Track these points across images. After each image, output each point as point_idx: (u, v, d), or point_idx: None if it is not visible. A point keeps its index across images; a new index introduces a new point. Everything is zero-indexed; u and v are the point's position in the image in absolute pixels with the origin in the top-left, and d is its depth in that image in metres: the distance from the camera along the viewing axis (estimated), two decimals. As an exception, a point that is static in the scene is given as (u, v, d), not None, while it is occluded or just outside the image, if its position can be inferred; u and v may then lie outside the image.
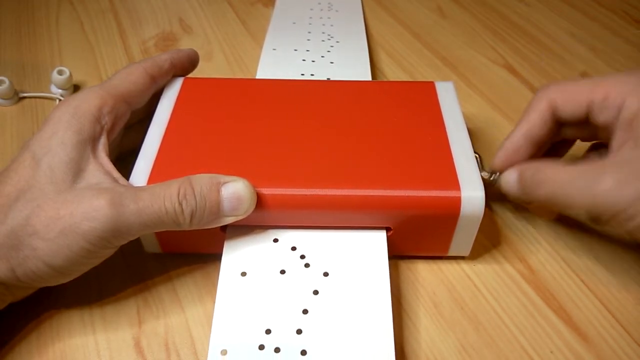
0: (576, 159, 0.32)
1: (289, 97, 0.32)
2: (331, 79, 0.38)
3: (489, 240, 0.31)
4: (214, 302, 0.25)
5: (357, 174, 0.27)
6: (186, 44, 0.47)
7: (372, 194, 0.26)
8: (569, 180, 0.26)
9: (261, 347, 0.24)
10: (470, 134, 0.30)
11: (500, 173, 0.30)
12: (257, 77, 0.39)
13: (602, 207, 0.25)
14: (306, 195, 0.26)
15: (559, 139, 0.31)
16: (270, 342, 0.24)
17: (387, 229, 0.28)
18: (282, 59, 0.40)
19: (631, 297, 0.29)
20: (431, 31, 0.48)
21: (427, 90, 0.32)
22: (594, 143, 0.31)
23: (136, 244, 0.27)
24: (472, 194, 0.26)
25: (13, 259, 0.24)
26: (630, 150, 0.26)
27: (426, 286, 0.29)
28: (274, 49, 0.41)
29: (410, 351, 0.26)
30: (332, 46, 0.41)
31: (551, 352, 0.26)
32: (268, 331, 0.24)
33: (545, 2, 0.52)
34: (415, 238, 0.28)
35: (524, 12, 0.51)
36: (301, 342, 0.24)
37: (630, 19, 0.50)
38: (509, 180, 0.29)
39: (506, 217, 0.33)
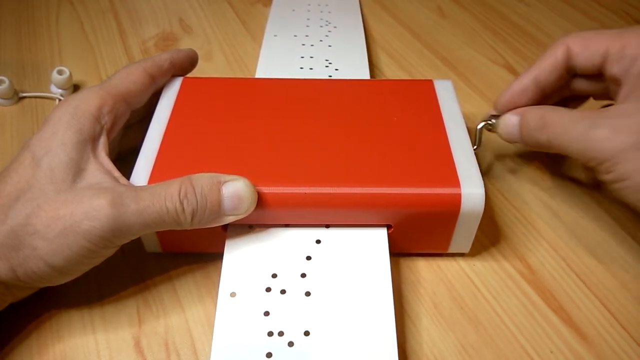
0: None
1: (288, 96, 0.32)
2: (329, 60, 0.40)
3: (488, 240, 0.31)
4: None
5: (357, 172, 0.27)
6: (186, 44, 0.47)
7: (372, 191, 0.26)
8: (569, 125, 0.27)
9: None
10: (470, 133, 0.30)
11: (499, 116, 0.30)
12: (260, 62, 0.40)
13: (592, 153, 0.26)
14: (306, 193, 0.26)
15: (568, 93, 0.31)
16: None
17: (388, 227, 0.28)
18: (283, 44, 0.42)
19: (631, 296, 0.29)
20: (431, 31, 0.48)
21: (426, 88, 0.32)
22: (607, 104, 0.31)
23: (137, 243, 0.27)
24: (472, 190, 0.26)
25: (13, 258, 0.24)
26: (632, 103, 0.26)
27: (426, 286, 0.29)
28: (275, 35, 0.43)
29: (411, 351, 0.26)
30: (329, 31, 0.43)
31: (551, 352, 0.26)
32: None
33: (545, 2, 0.52)
34: (416, 235, 0.29)
35: (524, 12, 0.51)
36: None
37: (630, 19, 0.50)
38: (510, 123, 0.30)
39: (506, 215, 0.33)
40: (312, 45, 0.41)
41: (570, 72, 0.29)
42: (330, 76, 0.39)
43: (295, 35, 0.43)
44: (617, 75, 0.27)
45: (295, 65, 0.40)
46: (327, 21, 0.45)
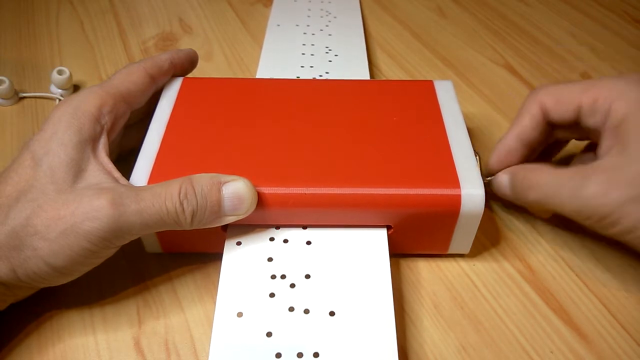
0: (569, 159, 0.32)
1: (288, 97, 0.32)
2: (329, 48, 0.42)
3: (488, 240, 0.31)
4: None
5: (358, 172, 0.27)
6: (186, 44, 0.47)
7: (372, 192, 0.26)
8: (557, 185, 0.27)
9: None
10: (470, 134, 0.30)
11: (494, 175, 0.30)
12: (263, 49, 0.42)
13: (588, 211, 0.26)
14: (307, 194, 0.26)
15: (552, 140, 0.31)
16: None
17: (388, 227, 0.28)
18: (285, 34, 0.44)
19: (631, 297, 0.29)
20: (431, 31, 0.48)
21: (426, 89, 0.32)
22: (590, 143, 0.31)
23: (137, 244, 0.27)
24: (472, 191, 0.26)
25: (14, 259, 0.24)
26: (616, 157, 0.26)
27: (426, 286, 0.29)
28: (278, 25, 0.46)
29: (411, 351, 0.26)
30: (329, 21, 0.46)
31: (551, 352, 0.27)
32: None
33: (545, 2, 0.52)
34: (416, 236, 0.29)
35: (524, 12, 0.51)
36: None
37: (630, 19, 0.50)
38: (502, 182, 0.30)
39: (506, 216, 0.33)
40: (313, 34, 0.44)
41: (549, 125, 0.30)
42: (330, 61, 0.41)
43: (297, 25, 0.45)
44: (593, 128, 0.28)
45: (297, 52, 0.41)
46: (327, 11, 0.47)
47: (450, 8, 0.51)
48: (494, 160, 0.31)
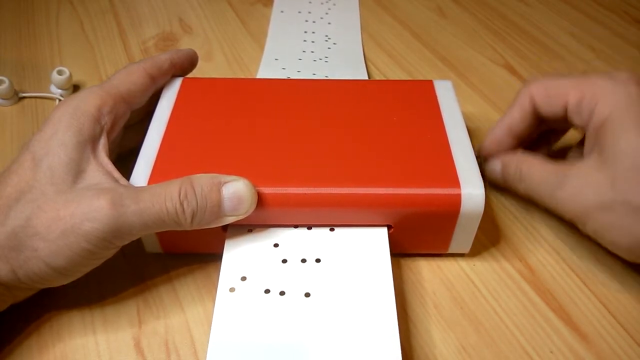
0: (568, 148, 0.32)
1: (288, 97, 0.32)
2: (329, 36, 0.46)
3: (488, 240, 0.31)
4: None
5: (358, 172, 0.27)
6: (186, 44, 0.47)
7: (373, 192, 0.26)
8: (540, 180, 0.28)
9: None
10: (470, 134, 0.30)
11: (486, 160, 0.32)
12: (269, 36, 0.46)
13: (561, 211, 0.27)
14: (307, 194, 0.26)
15: (546, 128, 0.31)
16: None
17: (388, 227, 0.28)
18: (289, 19, 0.48)
19: (631, 297, 0.29)
20: (431, 31, 0.48)
21: (426, 89, 0.32)
22: None
23: (137, 244, 0.27)
24: (472, 191, 0.26)
25: (14, 260, 0.24)
26: (593, 160, 0.27)
27: (426, 286, 0.29)
28: (281, 11, 0.50)
29: (411, 351, 0.26)
30: (329, 8, 0.50)
31: (551, 352, 0.27)
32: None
33: (545, 2, 0.52)
34: (416, 235, 0.29)
35: (524, 12, 0.51)
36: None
37: (630, 19, 0.50)
38: (493, 169, 0.31)
39: (506, 216, 0.33)
40: (314, 21, 0.48)
41: (539, 118, 0.30)
42: (329, 48, 0.44)
43: (299, 12, 0.49)
44: (579, 126, 0.28)
45: (299, 38, 0.45)
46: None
47: (450, 8, 0.51)
48: (485, 146, 0.32)
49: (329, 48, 0.44)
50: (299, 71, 0.41)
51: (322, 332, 0.24)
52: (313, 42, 0.45)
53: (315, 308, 0.25)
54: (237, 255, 0.27)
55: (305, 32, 0.46)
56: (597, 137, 0.27)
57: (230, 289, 0.26)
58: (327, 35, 0.46)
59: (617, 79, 0.27)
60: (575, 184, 0.26)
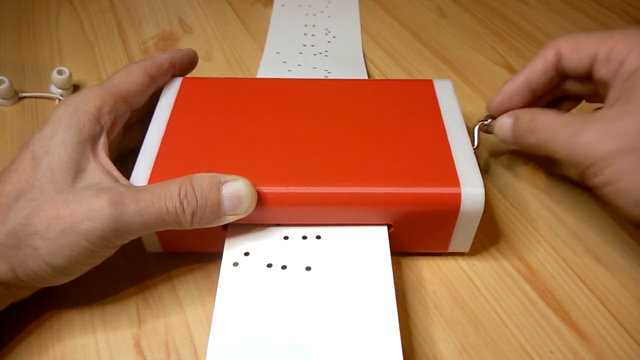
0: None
1: (288, 96, 0.32)
2: (328, 29, 0.47)
3: (488, 239, 0.31)
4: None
5: (358, 171, 0.27)
6: (186, 44, 0.47)
7: (372, 191, 0.26)
8: (557, 128, 0.27)
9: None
10: (470, 134, 0.30)
11: (495, 118, 0.30)
12: (270, 29, 0.47)
13: (579, 157, 0.26)
14: (306, 193, 0.26)
15: (560, 94, 0.31)
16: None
17: (388, 226, 0.28)
18: (289, 13, 0.50)
19: (631, 297, 0.29)
20: (431, 31, 0.48)
21: (425, 88, 0.32)
22: (600, 107, 0.31)
23: (137, 243, 0.27)
24: (471, 190, 0.26)
25: (14, 258, 0.24)
26: (618, 108, 0.26)
27: (426, 286, 0.29)
28: (282, 5, 0.51)
29: (411, 351, 0.26)
30: (329, 2, 0.51)
31: (551, 352, 0.26)
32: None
33: (545, 2, 0.52)
34: (416, 235, 0.29)
35: (524, 12, 0.51)
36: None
37: (630, 19, 0.50)
38: (503, 125, 0.30)
39: (506, 215, 0.33)
40: (314, 15, 0.49)
41: (560, 74, 0.30)
42: (329, 42, 0.45)
43: (300, 6, 0.50)
44: (604, 78, 0.28)
45: (299, 32, 0.47)
46: None
47: (450, 8, 0.51)
48: (497, 100, 0.30)
49: (328, 42, 0.45)
50: (299, 65, 0.42)
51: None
52: (313, 35, 0.46)
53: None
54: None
55: (306, 25, 0.48)
56: (624, 87, 0.26)
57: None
58: (327, 29, 0.47)
59: None
60: (598, 129, 0.25)
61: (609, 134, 0.25)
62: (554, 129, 0.27)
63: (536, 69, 0.29)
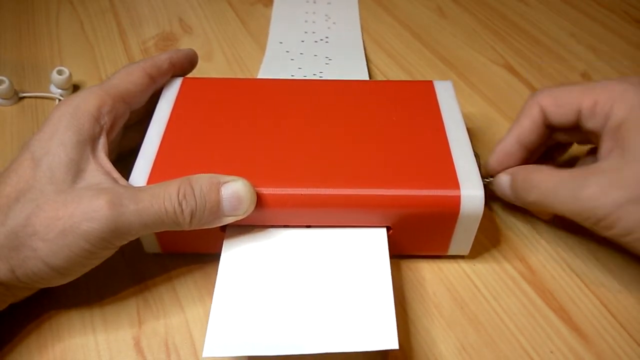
0: (572, 162, 0.32)
1: (288, 97, 0.32)
2: (328, 15, 0.48)
3: (488, 240, 0.31)
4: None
5: (357, 173, 0.27)
6: (186, 44, 0.47)
7: (372, 193, 0.26)
8: (556, 186, 0.27)
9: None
10: (470, 134, 0.30)
11: (494, 176, 0.30)
12: (272, 21, 0.48)
13: (586, 213, 0.26)
14: (306, 194, 0.26)
15: (553, 143, 0.31)
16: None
17: (388, 228, 0.28)
18: (290, 1, 0.51)
19: (631, 297, 0.29)
20: (431, 31, 0.48)
21: (426, 90, 0.32)
22: (593, 147, 0.31)
23: (136, 244, 0.27)
24: (471, 192, 0.26)
25: (13, 259, 0.24)
26: (615, 159, 0.26)
27: (426, 286, 0.29)
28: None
29: (411, 351, 0.26)
30: (329, 2, 0.52)
31: (551, 352, 0.26)
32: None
33: (545, 2, 0.52)
34: (415, 237, 0.28)
35: (524, 12, 0.51)
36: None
37: (630, 19, 0.50)
38: (502, 183, 0.30)
39: (506, 216, 0.33)
40: (314, 1, 0.51)
41: (549, 128, 0.30)
42: (329, 28, 0.47)
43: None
44: (593, 130, 0.28)
45: (301, 19, 0.48)
46: None
47: (450, 8, 0.51)
48: (493, 161, 0.31)
49: (329, 28, 0.47)
50: (301, 53, 0.43)
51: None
52: (314, 22, 0.48)
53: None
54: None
55: (307, 12, 0.49)
56: (617, 138, 0.26)
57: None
58: (327, 15, 0.49)
59: (628, 81, 0.27)
60: (600, 183, 0.25)
61: (613, 185, 0.25)
62: (552, 186, 0.27)
63: (525, 126, 0.30)
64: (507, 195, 0.30)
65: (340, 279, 0.26)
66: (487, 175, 0.31)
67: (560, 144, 0.32)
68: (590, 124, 0.28)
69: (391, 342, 0.23)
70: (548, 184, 0.27)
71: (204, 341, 0.26)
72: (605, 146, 0.27)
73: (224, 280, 0.26)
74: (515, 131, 0.30)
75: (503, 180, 0.30)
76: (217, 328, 0.24)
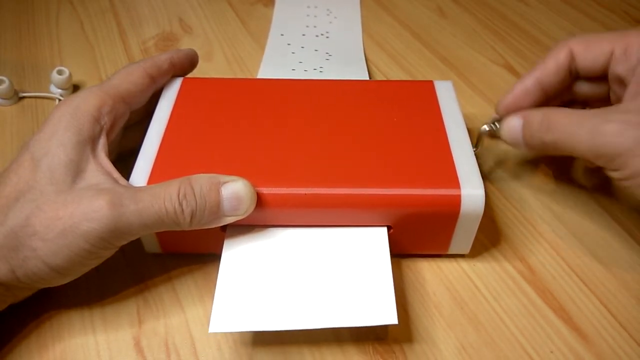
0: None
1: (288, 97, 0.32)
2: (330, 10, 0.49)
3: (488, 240, 0.31)
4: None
5: (357, 172, 0.27)
6: (186, 44, 0.47)
7: (372, 192, 0.26)
8: (578, 122, 0.26)
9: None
10: (470, 134, 0.30)
11: (500, 120, 0.30)
12: (275, 12, 0.49)
13: (602, 150, 0.25)
14: (306, 194, 0.26)
15: (569, 97, 0.31)
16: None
17: (388, 227, 0.28)
18: (293, 6, 0.51)
19: (631, 297, 0.29)
20: (431, 31, 0.48)
21: (426, 89, 0.32)
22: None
23: (136, 244, 0.27)
24: (472, 191, 0.26)
25: (13, 259, 0.24)
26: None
27: (426, 286, 0.29)
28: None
29: (411, 351, 0.26)
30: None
31: (551, 352, 0.26)
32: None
33: (545, 2, 0.52)
34: (416, 236, 0.29)
35: (524, 12, 0.51)
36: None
37: (630, 19, 0.50)
38: (512, 125, 0.29)
39: (506, 216, 0.33)
40: (314, 10, 0.50)
41: (572, 75, 0.29)
42: (330, 22, 0.47)
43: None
44: (622, 75, 0.28)
45: (302, 13, 0.49)
46: None
47: (450, 8, 0.51)
48: (507, 100, 0.30)
49: (330, 22, 0.47)
50: (302, 47, 0.43)
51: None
52: (316, 16, 0.48)
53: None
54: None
55: (308, 7, 0.50)
56: None
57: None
58: (328, 9, 0.49)
59: None
60: (622, 119, 0.25)
61: (632, 124, 0.25)
62: (572, 125, 0.26)
63: (549, 68, 0.29)
64: (516, 139, 0.29)
65: (341, 269, 0.26)
66: (495, 120, 0.30)
67: (575, 101, 0.32)
68: (620, 67, 0.27)
69: (390, 317, 0.24)
70: (569, 121, 0.27)
71: (204, 341, 0.27)
72: (630, 90, 0.27)
73: (228, 262, 0.26)
74: (538, 71, 0.29)
75: (514, 123, 0.29)
76: (222, 305, 0.24)
